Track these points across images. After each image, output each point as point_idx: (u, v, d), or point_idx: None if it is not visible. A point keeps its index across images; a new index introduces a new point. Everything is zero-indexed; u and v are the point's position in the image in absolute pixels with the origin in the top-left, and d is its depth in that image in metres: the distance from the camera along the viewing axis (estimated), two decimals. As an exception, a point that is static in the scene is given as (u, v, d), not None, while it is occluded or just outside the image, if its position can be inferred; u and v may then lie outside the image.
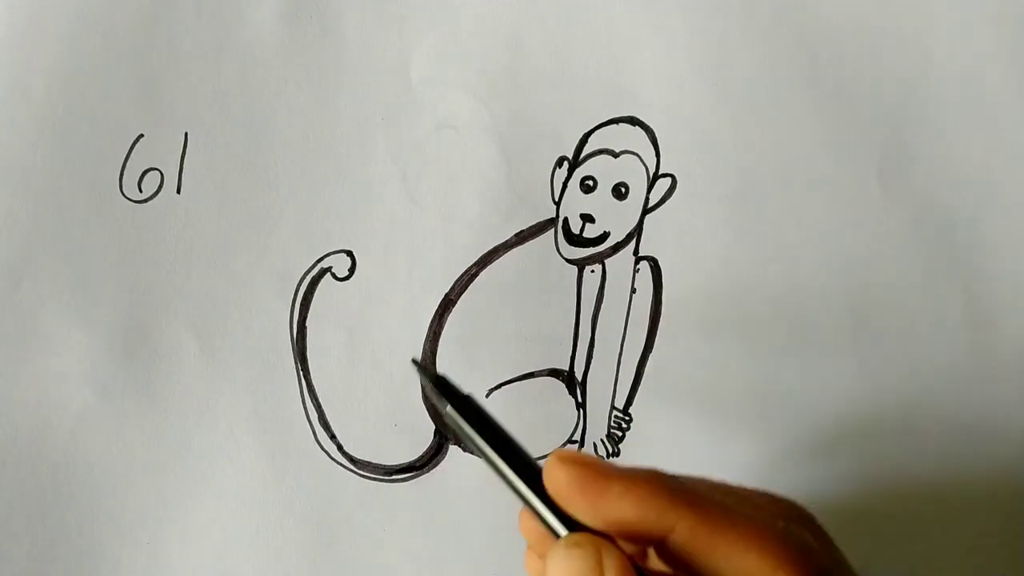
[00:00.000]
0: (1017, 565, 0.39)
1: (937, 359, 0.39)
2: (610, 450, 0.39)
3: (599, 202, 0.39)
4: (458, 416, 0.30)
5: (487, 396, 0.39)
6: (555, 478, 0.25)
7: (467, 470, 0.39)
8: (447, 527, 0.39)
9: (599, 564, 0.24)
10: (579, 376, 0.39)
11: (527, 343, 0.39)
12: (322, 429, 0.39)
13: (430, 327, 0.39)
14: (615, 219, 0.39)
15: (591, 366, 0.39)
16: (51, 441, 0.39)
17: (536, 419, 0.39)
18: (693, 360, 0.39)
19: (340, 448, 0.39)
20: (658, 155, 0.40)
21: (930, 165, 0.39)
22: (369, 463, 0.39)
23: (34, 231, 0.40)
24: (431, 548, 0.39)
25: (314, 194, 0.40)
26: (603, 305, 0.39)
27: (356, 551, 0.39)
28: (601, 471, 0.25)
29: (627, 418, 0.39)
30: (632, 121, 0.40)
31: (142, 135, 0.40)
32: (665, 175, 0.40)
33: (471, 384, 0.39)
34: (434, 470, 0.39)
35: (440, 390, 0.31)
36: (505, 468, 0.28)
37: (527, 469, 0.27)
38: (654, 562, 0.27)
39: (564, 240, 0.39)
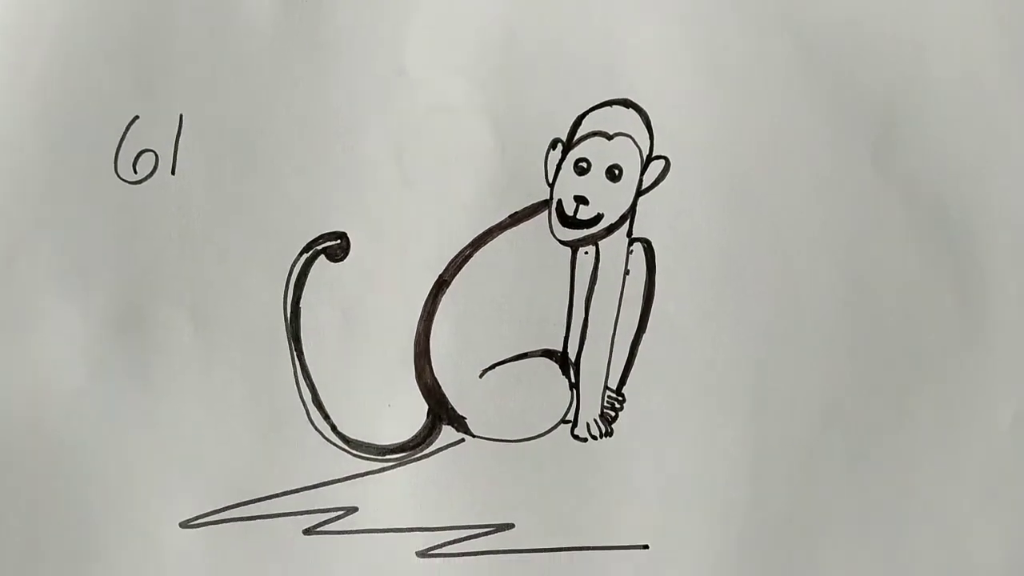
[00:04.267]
0: (1007, 550, 0.39)
1: (928, 341, 0.39)
2: (603, 430, 0.39)
3: (593, 184, 0.40)
4: None
5: (480, 377, 0.39)
6: None
7: (460, 450, 0.39)
8: (439, 506, 0.39)
9: None
10: (572, 357, 0.39)
11: (520, 324, 0.39)
12: (316, 409, 0.39)
13: (424, 308, 0.39)
14: (609, 201, 0.40)
15: (584, 347, 0.39)
16: (44, 421, 0.39)
17: (529, 399, 0.39)
18: (686, 341, 0.39)
19: (334, 428, 0.39)
20: (652, 137, 0.40)
21: (923, 148, 0.39)
22: (362, 443, 0.39)
23: (29, 211, 0.40)
24: (424, 527, 0.39)
25: (308, 176, 0.40)
26: (596, 286, 0.39)
27: (349, 529, 0.39)
28: None
29: (620, 398, 0.39)
30: (626, 103, 0.40)
31: (137, 116, 0.40)
32: (659, 157, 0.40)
33: (465, 365, 0.39)
34: (427, 450, 0.39)
35: None
36: None
37: None
38: None
39: (558, 222, 0.40)
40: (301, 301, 0.40)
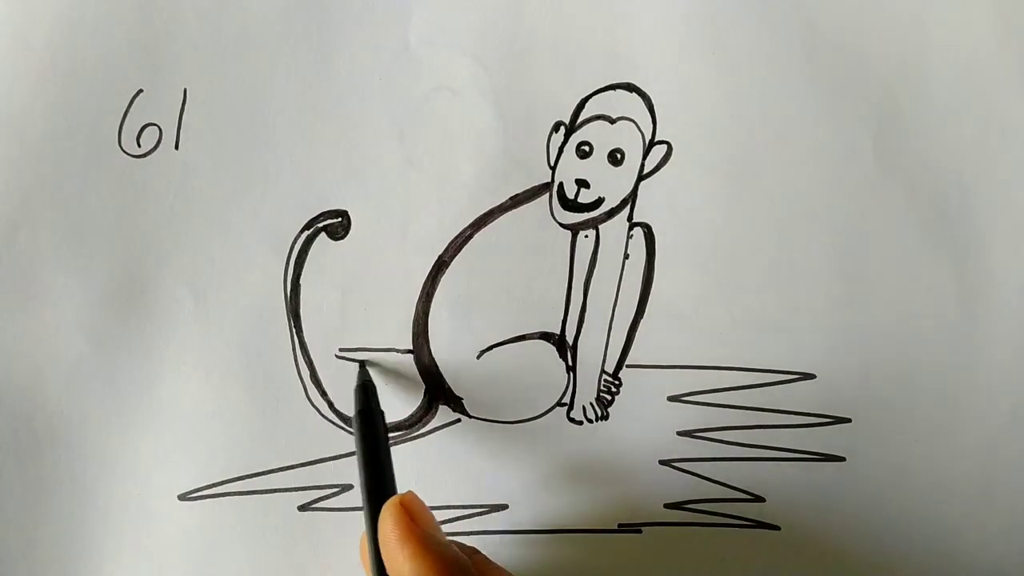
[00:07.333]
0: (1006, 545, 0.39)
1: (928, 329, 0.39)
2: (599, 413, 0.39)
3: (594, 168, 0.40)
4: (358, 423, 0.35)
5: (478, 358, 0.39)
6: (382, 518, 0.32)
7: (456, 430, 0.39)
8: (434, 486, 0.39)
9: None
10: (570, 340, 0.39)
11: (519, 306, 0.39)
12: (313, 386, 0.39)
13: (423, 288, 0.40)
14: (610, 185, 0.40)
15: (582, 330, 0.39)
16: (45, 391, 0.39)
17: (526, 381, 0.39)
18: (684, 326, 0.39)
19: (331, 406, 0.39)
20: (654, 122, 0.40)
21: (925, 135, 0.39)
22: (359, 421, 0.39)
23: (32, 183, 0.40)
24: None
25: (310, 153, 0.40)
26: (596, 270, 0.39)
27: (344, 506, 0.39)
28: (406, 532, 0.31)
29: (617, 382, 0.39)
30: (629, 88, 0.40)
31: (141, 90, 0.40)
32: (661, 142, 0.40)
33: (463, 345, 0.39)
34: (423, 429, 0.39)
35: (359, 395, 0.36)
36: (363, 490, 0.34)
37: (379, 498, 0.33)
38: None
39: (559, 204, 0.40)
40: (301, 278, 0.40)
